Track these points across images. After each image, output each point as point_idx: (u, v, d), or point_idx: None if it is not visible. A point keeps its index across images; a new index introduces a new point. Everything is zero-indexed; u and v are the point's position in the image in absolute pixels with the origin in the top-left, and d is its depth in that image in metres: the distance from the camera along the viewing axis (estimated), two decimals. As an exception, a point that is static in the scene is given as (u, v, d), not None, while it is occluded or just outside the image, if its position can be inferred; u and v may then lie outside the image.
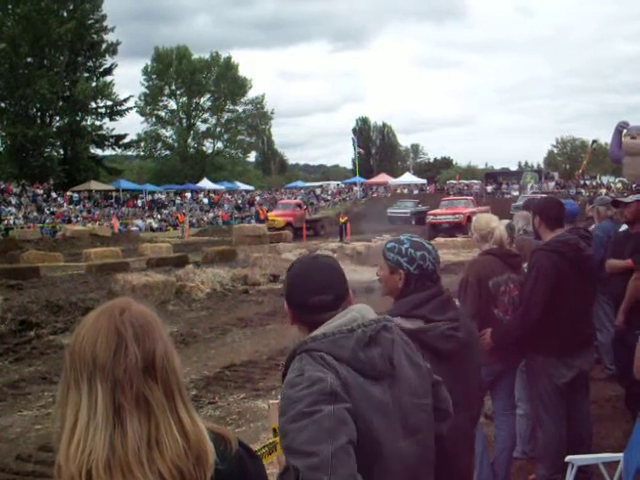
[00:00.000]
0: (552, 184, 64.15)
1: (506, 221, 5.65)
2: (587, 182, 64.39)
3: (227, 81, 78.71)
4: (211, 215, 57.39)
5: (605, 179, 66.43)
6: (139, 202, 56.33)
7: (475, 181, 74.92)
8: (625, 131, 6.35)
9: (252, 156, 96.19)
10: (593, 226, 7.93)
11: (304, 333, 2.20)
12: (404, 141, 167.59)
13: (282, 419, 1.93)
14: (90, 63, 62.15)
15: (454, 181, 74.08)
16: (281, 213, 41.49)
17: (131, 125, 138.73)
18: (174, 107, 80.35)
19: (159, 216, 53.91)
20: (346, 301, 2.21)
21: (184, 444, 1.46)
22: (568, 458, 3.91)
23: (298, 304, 2.20)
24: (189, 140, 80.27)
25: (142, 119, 78.21)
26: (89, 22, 59.24)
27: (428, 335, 2.76)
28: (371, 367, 2.04)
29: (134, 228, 47.02)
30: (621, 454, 3.78)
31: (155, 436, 1.44)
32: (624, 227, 6.73)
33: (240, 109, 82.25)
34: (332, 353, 2.00)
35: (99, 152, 65.72)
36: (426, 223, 37.24)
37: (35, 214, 44.43)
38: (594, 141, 67.13)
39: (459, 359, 2.88)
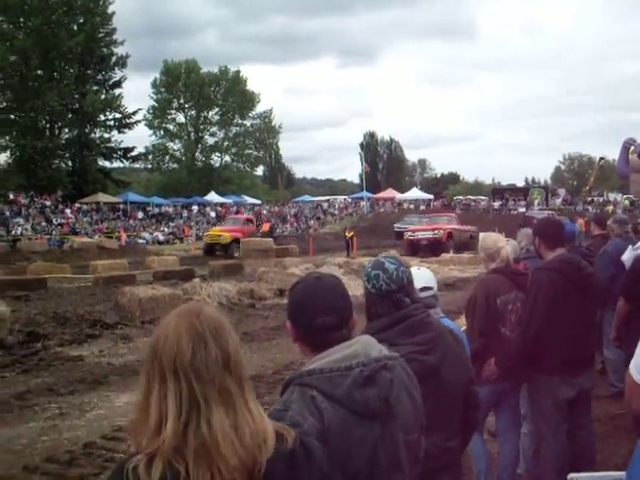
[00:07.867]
0: (559, 200, 64.13)
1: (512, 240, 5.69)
2: (594, 199, 64.33)
3: (235, 95, 78.87)
4: (218, 228, 57.28)
5: (612, 196, 66.34)
6: (140, 214, 56.21)
7: (482, 197, 74.94)
8: (632, 148, 6.34)
9: (259, 170, 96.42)
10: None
11: (305, 352, 2.20)
12: (411, 156, 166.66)
13: None
14: (100, 76, 62.26)
15: (461, 197, 74.17)
16: (229, 228, 39.92)
17: (139, 138, 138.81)
18: (182, 120, 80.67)
19: (166, 229, 53.99)
20: (350, 323, 2.20)
21: (253, 430, 1.64)
22: (570, 476, 3.90)
23: (303, 324, 2.18)
24: (197, 153, 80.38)
25: (150, 132, 78.48)
26: (99, 35, 59.45)
27: None
28: (364, 407, 2.01)
29: (141, 241, 47.09)
30: (623, 473, 3.78)
31: (234, 423, 1.62)
32: (638, 245, 6.74)
33: (248, 123, 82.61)
34: (325, 391, 1.99)
35: (107, 164, 65.71)
36: (404, 240, 36.15)
37: (43, 225, 44.57)
38: (601, 158, 66.94)
39: (426, 383, 2.61)
